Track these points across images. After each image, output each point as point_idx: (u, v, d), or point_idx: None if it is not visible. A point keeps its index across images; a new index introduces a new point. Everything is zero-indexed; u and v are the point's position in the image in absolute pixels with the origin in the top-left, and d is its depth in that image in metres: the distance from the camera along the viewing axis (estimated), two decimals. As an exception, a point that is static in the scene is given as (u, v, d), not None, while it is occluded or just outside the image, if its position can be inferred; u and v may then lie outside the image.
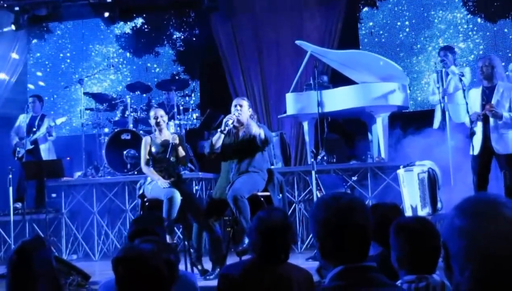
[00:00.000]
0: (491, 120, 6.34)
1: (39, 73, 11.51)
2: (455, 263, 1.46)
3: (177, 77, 10.85)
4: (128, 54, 11.42)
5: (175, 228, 6.70)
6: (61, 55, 11.62)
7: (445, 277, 2.31)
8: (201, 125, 9.25)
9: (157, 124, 6.15)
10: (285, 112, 8.50)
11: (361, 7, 10.53)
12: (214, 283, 3.97)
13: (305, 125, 8.38)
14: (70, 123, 10.98)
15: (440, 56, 7.87)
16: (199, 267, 5.81)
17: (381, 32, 10.43)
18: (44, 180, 7.99)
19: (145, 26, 11.40)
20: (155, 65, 11.30)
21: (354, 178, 7.67)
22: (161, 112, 6.23)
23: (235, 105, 5.87)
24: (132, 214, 7.81)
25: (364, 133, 8.58)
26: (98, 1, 10.62)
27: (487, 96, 6.43)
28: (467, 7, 10.00)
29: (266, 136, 5.71)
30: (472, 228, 1.43)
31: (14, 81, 11.09)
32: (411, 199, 6.37)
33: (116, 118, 9.04)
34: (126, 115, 8.84)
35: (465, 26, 10.03)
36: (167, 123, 6.52)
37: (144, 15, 11.39)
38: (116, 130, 8.51)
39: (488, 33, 9.92)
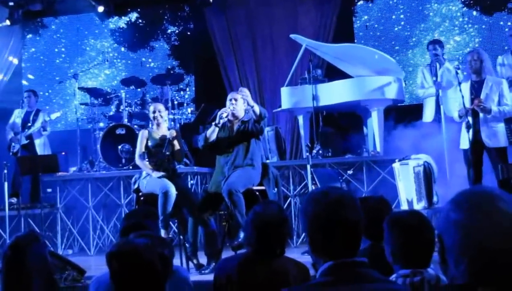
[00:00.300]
0: (481, 114, 6.34)
1: (30, 76, 11.47)
2: (451, 256, 1.45)
3: (172, 72, 10.82)
4: (122, 48, 11.38)
5: (170, 223, 6.69)
6: (56, 50, 11.58)
7: (440, 270, 2.31)
8: (196, 120, 9.24)
9: (155, 118, 6.15)
10: (280, 106, 8.48)
11: (356, 1, 10.50)
12: (210, 277, 3.96)
13: (300, 119, 8.37)
14: (65, 118, 10.98)
15: (429, 50, 7.89)
16: (195, 261, 5.80)
17: (376, 25, 10.41)
18: (39, 175, 7.96)
19: (140, 21, 11.36)
20: (150, 60, 11.27)
21: (350, 172, 7.66)
22: (160, 107, 6.24)
23: (230, 100, 5.88)
24: (127, 209, 7.79)
25: (359, 127, 8.57)
26: (92, -5, 10.59)
27: (476, 90, 6.44)
28: (463, 0, 9.98)
29: (261, 112, 5.71)
30: (467, 221, 1.42)
31: (8, 78, 11.05)
32: (407, 192, 6.37)
33: (111, 113, 9.01)
34: (121, 110, 8.81)
35: (461, 19, 10.00)
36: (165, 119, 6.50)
37: (139, 10, 11.35)
38: (111, 125, 8.49)
39: (483, 26, 9.90)
